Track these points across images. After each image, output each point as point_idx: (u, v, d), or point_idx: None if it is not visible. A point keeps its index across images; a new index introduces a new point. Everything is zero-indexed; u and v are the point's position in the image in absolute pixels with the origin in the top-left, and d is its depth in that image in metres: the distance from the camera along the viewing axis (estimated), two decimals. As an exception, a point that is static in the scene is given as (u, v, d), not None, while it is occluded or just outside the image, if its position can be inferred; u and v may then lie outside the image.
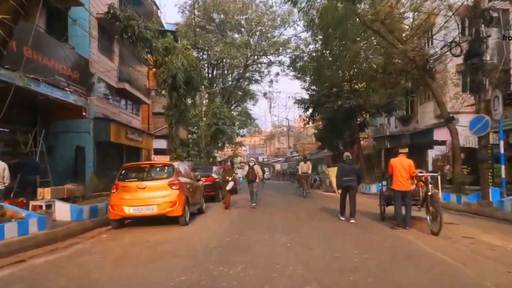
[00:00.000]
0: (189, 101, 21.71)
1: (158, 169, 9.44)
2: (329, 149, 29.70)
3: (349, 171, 10.58)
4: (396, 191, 8.47)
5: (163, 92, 16.43)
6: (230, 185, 13.11)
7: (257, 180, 14.05)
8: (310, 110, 25.80)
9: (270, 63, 36.62)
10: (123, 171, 9.17)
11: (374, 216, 10.62)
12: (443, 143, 21.24)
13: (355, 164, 11.76)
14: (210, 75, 35.42)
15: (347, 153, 11.46)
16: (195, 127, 31.42)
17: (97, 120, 15.92)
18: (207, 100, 34.49)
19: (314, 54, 23.17)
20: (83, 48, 14.81)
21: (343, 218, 10.21)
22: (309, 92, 24.29)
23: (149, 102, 23.09)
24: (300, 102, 24.27)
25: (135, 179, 9.06)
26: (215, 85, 34.69)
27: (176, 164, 9.63)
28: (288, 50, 34.52)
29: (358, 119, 25.07)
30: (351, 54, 18.31)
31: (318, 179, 26.02)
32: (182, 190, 9.11)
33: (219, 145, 36.42)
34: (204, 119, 27.77)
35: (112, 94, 18.49)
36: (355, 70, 21.02)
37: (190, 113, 18.29)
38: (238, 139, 48.73)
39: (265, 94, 41.15)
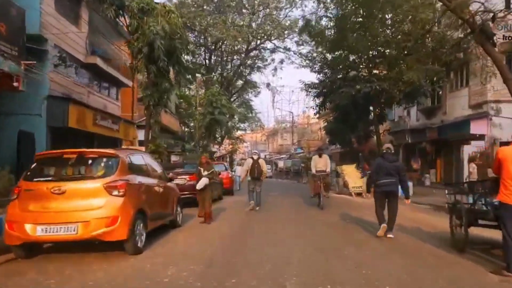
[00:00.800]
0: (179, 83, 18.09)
1: (90, 162, 5.62)
2: (341, 144, 26.03)
3: (390, 170, 7.29)
4: (508, 205, 4.61)
5: (139, 66, 12.80)
6: (201, 183, 9.14)
7: (262, 178, 11.46)
8: (321, 99, 22.07)
9: (274, 49, 32.97)
10: (35, 165, 5.60)
11: (433, 238, 7.11)
12: (481, 137, 17.61)
13: (398, 161, 8.20)
14: (207, 61, 31.82)
15: (387, 145, 8.19)
16: (190, 119, 27.85)
17: (52, 100, 12.38)
18: (203, 90, 30.98)
19: (333, 16, 18.51)
20: (31, 2, 11.25)
21: (390, 235, 7.08)
22: (320, 75, 20.53)
23: (132, 84, 19.49)
24: (310, 86, 20.57)
25: (50, 178, 5.47)
26: (213, 74, 31.13)
27: (123, 154, 5.93)
28: (294, 36, 31.01)
29: (377, 109, 21.41)
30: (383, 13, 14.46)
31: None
32: (131, 198, 5.57)
33: (217, 138, 32.93)
34: (199, 109, 24.18)
35: (78, 70, 14.93)
36: (385, 37, 16.83)
37: (175, 93, 14.27)
38: (239, 133, 45.31)
39: (268, 85, 37.55)
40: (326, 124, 25.76)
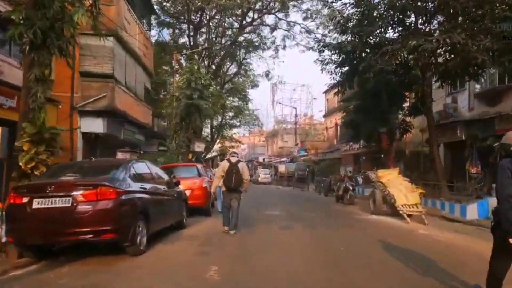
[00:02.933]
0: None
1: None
2: (368, 141, 19.47)
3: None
4: None
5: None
6: None
7: (242, 189, 8.00)
8: (344, 71, 15.41)
9: (275, 26, 26.47)
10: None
11: None
12: None
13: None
14: (191, 39, 25.29)
15: None
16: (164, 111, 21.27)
17: None
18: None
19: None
20: None
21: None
22: (345, 36, 13.72)
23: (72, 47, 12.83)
24: (330, 48, 13.71)
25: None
26: (199, 47, 24.51)
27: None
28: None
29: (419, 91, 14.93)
30: None
31: (350, 189, 15.87)
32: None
33: (204, 137, 26.44)
34: (176, 94, 17.66)
35: None
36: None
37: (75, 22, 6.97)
38: (236, 136, 38.79)
39: (267, 74, 30.97)
40: (344, 113, 19.11)
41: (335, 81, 15.10)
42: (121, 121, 16.79)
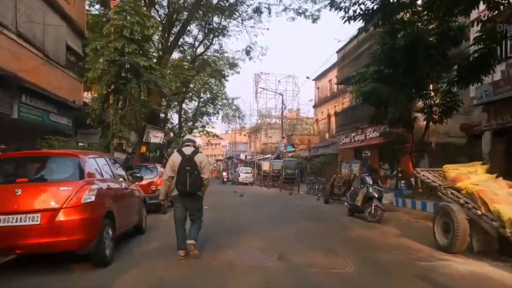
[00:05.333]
0: None
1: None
2: (392, 124, 13.39)
3: None
4: None
5: None
6: None
7: (201, 194, 5.77)
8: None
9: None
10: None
11: None
12: None
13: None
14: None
15: None
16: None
17: None
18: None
19: None
20: None
21: None
22: None
23: None
24: None
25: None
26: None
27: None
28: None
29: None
30: None
31: (375, 196, 9.99)
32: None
33: (159, 123, 20.50)
34: (99, 45, 11.28)
35: None
36: None
37: None
38: (210, 123, 32.51)
39: (248, 52, 24.57)
40: (356, 82, 12.97)
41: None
42: (10, 90, 10.55)
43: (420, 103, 12.22)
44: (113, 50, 10.74)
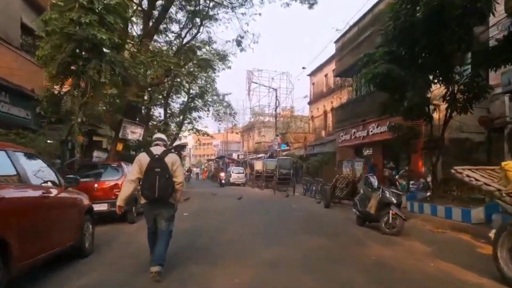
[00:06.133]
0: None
1: None
2: (408, 113, 11.21)
3: None
4: None
5: None
6: None
7: (173, 201, 4.92)
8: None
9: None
10: None
11: None
12: None
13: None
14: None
15: None
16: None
17: None
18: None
19: None
20: None
21: None
22: None
23: None
24: None
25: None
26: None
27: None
28: None
29: None
30: None
31: (393, 202, 7.97)
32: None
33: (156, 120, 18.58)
34: (49, 17, 9.12)
35: None
36: None
37: None
38: (198, 119, 30.39)
39: (239, 43, 22.48)
40: (364, 66, 10.86)
41: None
42: None
43: (439, 89, 10.24)
44: (69, 22, 8.59)
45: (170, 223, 4.85)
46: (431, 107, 10.29)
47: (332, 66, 29.92)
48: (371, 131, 18.21)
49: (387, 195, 8.07)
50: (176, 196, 4.87)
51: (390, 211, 7.82)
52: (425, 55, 9.18)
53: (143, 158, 4.84)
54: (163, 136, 5.37)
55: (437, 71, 9.49)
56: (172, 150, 5.44)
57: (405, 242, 7.08)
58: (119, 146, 16.11)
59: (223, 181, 32.16)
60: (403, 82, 9.38)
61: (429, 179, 13.99)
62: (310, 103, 38.39)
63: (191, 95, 27.59)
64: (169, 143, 33.14)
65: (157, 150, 4.92)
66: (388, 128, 13.28)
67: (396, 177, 13.72)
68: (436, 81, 9.84)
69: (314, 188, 19.51)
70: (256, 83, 41.97)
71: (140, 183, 4.80)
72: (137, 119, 17.99)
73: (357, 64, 20.92)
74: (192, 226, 8.70)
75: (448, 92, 9.68)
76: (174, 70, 14.49)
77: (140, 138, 16.96)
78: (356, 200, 9.43)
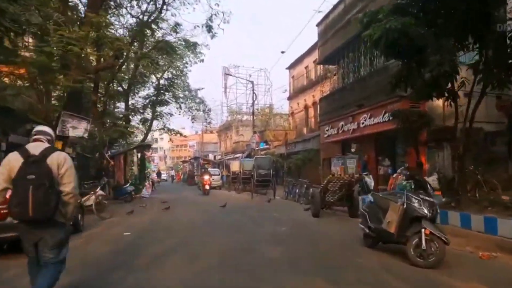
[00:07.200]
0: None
1: None
2: (421, 91, 8.47)
3: None
4: None
5: None
6: None
7: (62, 219, 3.60)
8: None
9: None
10: None
11: None
12: None
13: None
14: None
15: None
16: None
17: None
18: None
19: None
20: None
21: None
22: None
23: None
24: None
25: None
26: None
27: None
28: None
29: None
30: None
31: (425, 215, 5.23)
32: None
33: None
34: None
35: None
36: None
37: None
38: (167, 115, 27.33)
39: (209, 29, 19.46)
40: (364, 28, 8.15)
41: None
42: None
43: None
44: None
45: (59, 251, 3.60)
46: (459, 79, 7.61)
47: (313, 57, 27.50)
48: (363, 123, 15.65)
49: (416, 204, 5.37)
50: (68, 211, 3.57)
51: (423, 230, 5.13)
52: (448, 14, 6.55)
53: (13, 159, 3.53)
54: (46, 128, 3.88)
55: (468, 30, 6.84)
56: (58, 148, 3.97)
57: (452, 282, 4.37)
58: (58, 145, 12.96)
59: (207, 187, 23.52)
60: (423, 45, 6.71)
61: (433, 177, 11.51)
62: (289, 98, 35.87)
63: (160, 87, 24.62)
64: (137, 141, 29.89)
65: (36, 148, 3.60)
66: (392, 115, 10.64)
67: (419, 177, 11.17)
68: (464, 45, 7.23)
69: (297, 190, 16.85)
70: (231, 75, 39.05)
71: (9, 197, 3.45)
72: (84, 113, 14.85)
73: (343, 48, 18.51)
74: (123, 253, 5.77)
75: (483, 59, 7.08)
76: (123, 48, 11.40)
77: (85, 135, 13.82)
78: (363, 211, 6.68)
